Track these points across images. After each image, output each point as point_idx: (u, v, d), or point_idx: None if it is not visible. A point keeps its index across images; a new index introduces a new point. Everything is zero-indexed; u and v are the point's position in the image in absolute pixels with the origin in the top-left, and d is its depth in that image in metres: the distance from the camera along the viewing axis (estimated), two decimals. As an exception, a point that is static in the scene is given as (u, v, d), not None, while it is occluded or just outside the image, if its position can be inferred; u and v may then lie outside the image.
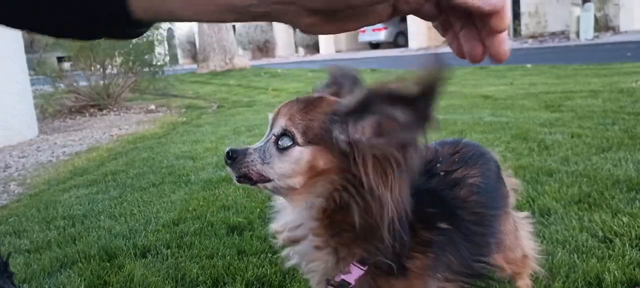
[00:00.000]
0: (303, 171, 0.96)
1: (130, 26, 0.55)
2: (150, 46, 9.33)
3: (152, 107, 8.87)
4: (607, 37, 16.41)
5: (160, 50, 10.17)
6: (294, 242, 1.03)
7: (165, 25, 12.65)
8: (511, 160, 3.18)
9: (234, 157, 1.01)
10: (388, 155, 0.87)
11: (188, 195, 3.21)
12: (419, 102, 0.80)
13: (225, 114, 7.21)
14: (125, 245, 2.46)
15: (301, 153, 0.95)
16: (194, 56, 25.39)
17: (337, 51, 28.48)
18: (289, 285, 1.91)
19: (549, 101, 5.33)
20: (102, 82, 8.86)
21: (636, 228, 2.04)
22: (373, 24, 0.58)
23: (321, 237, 0.99)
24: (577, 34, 16.81)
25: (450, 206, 1.08)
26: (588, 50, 12.79)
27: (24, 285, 2.14)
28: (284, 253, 1.09)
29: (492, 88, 6.84)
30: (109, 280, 2.09)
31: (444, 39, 0.62)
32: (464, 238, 1.08)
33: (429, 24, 0.61)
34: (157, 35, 9.81)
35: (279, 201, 1.08)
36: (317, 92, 1.07)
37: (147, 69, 9.31)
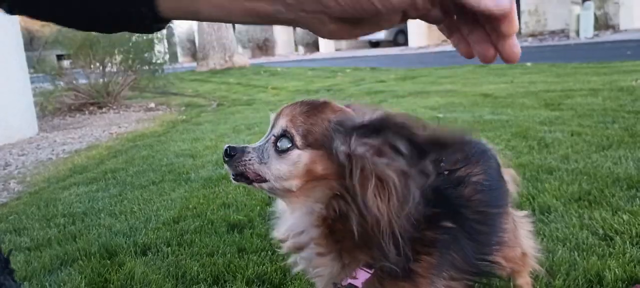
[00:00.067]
0: (300, 174, 0.96)
1: (156, 22, 0.57)
2: (150, 44, 9.30)
3: (152, 105, 8.86)
4: (607, 36, 16.37)
5: (160, 48, 10.13)
6: (298, 249, 1.03)
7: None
8: (511, 158, 3.18)
9: (231, 155, 1.01)
10: (386, 177, 0.87)
11: (188, 193, 3.21)
12: (426, 148, 0.81)
13: (225, 112, 7.20)
14: (125, 242, 2.46)
15: (299, 157, 0.95)
16: (193, 54, 25.33)
17: (336, 50, 28.40)
18: (289, 282, 1.91)
19: (549, 99, 5.32)
20: (101, 80, 8.85)
21: (636, 226, 2.04)
22: (385, 29, 0.59)
23: (323, 245, 0.99)
24: (577, 32, 16.77)
25: (455, 205, 1.08)
26: (588, 48, 12.77)
27: (25, 283, 2.14)
28: (290, 260, 1.10)
29: (492, 86, 6.83)
30: (109, 278, 2.09)
31: (445, 38, 0.62)
32: (468, 237, 1.08)
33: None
34: (156, 33, 9.79)
35: (280, 206, 1.08)
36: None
37: (146, 67, 9.29)
